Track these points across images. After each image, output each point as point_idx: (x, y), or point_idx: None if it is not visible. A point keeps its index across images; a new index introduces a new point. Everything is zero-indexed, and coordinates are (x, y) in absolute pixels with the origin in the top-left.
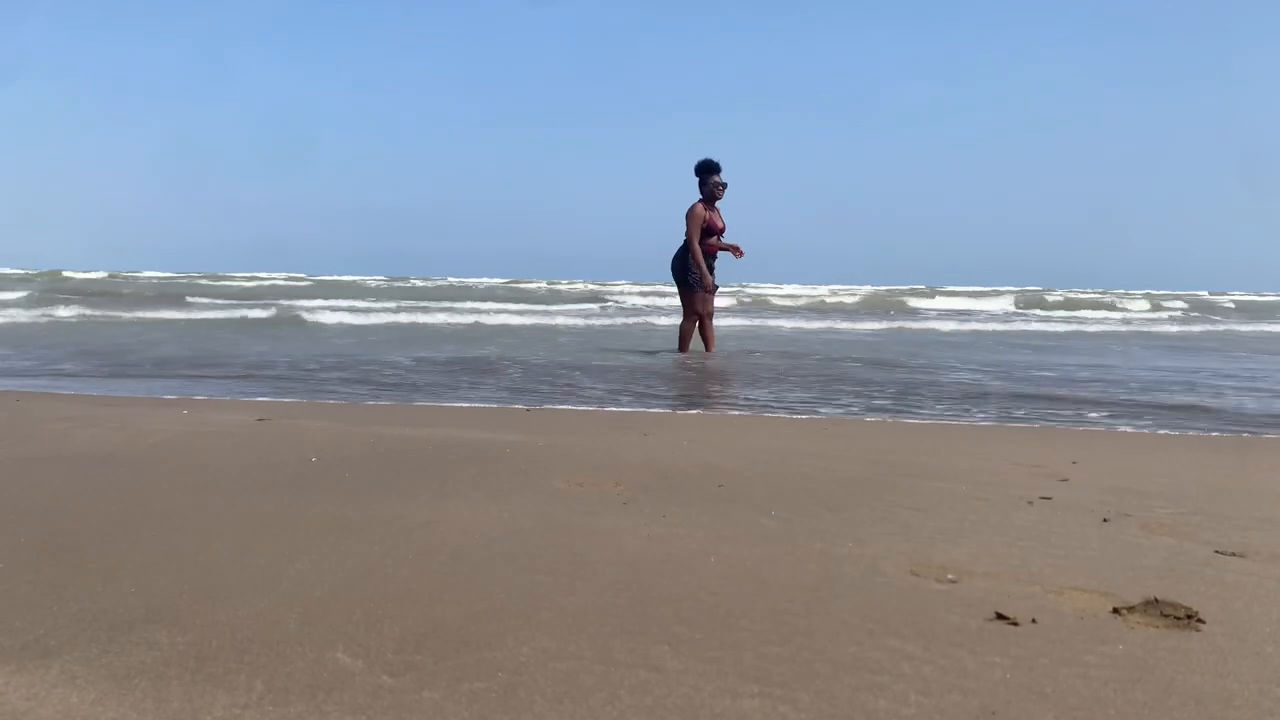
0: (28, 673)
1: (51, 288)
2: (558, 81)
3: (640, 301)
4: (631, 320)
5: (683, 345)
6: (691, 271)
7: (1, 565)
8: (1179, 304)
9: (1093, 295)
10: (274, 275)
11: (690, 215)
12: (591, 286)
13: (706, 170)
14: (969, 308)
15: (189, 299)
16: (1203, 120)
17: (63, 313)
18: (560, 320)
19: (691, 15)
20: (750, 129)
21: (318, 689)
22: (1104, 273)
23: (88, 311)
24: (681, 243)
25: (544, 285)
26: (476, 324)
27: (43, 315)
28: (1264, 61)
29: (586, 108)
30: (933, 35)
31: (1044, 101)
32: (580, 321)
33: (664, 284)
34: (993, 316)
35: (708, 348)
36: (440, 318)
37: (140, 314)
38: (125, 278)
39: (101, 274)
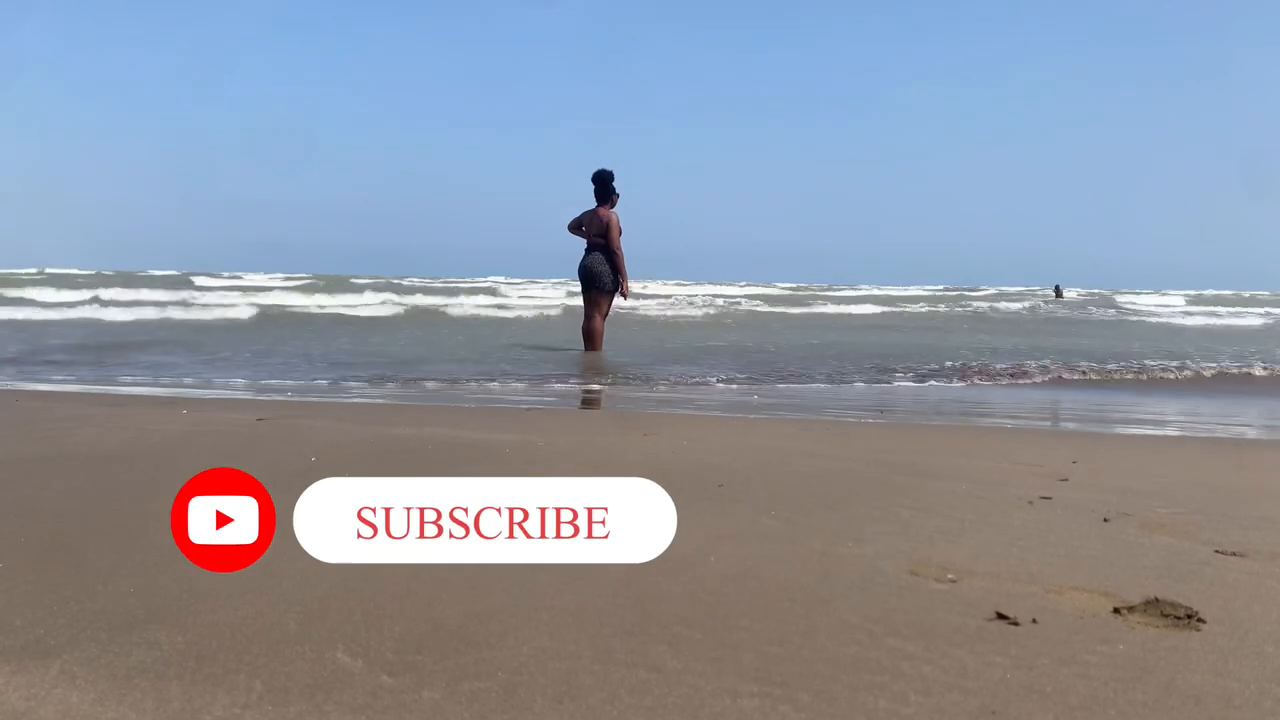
0: (28, 673)
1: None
2: (558, 81)
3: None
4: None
5: (596, 343)
6: (617, 278)
7: (1, 565)
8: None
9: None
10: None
11: (614, 224)
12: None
13: (611, 180)
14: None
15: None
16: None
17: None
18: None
19: (691, 17)
20: (751, 129)
21: (317, 689)
22: (1104, 272)
23: None
24: (587, 249)
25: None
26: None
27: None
28: (1263, 63)
29: (586, 108)
30: (932, 37)
31: (1043, 102)
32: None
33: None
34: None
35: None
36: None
37: None
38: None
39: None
